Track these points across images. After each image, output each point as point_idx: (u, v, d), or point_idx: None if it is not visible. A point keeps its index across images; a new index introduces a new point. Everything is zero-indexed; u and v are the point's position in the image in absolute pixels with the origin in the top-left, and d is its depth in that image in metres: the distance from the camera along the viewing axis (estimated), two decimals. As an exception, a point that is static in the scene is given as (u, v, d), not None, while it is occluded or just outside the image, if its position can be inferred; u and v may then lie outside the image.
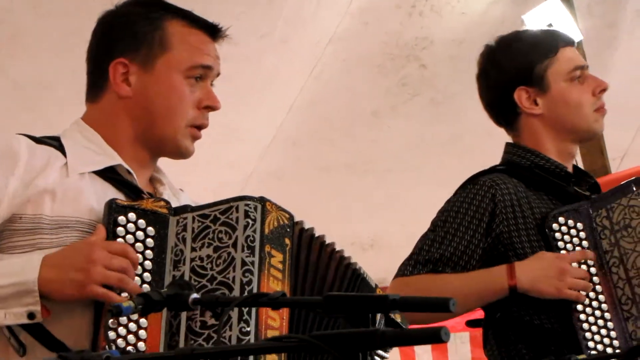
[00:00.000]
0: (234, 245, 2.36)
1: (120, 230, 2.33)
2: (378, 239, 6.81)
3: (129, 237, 2.34)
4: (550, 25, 6.29)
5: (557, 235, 3.03)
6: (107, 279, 2.27)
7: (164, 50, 2.48)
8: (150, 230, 2.36)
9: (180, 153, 2.54)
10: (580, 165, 4.38)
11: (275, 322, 2.39)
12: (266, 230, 2.38)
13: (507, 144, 3.27)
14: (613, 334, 2.97)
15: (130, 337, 2.29)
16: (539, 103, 3.17)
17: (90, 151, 2.46)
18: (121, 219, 2.33)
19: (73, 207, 2.37)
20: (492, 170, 3.16)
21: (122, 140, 2.49)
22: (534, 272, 2.96)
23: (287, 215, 2.46)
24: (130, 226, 2.34)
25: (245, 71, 5.70)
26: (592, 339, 2.96)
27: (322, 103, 6.11)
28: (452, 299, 1.83)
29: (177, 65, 2.49)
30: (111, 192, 2.42)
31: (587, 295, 2.98)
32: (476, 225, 3.02)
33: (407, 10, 6.21)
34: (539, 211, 3.07)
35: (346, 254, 2.56)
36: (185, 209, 2.42)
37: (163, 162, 2.66)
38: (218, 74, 2.56)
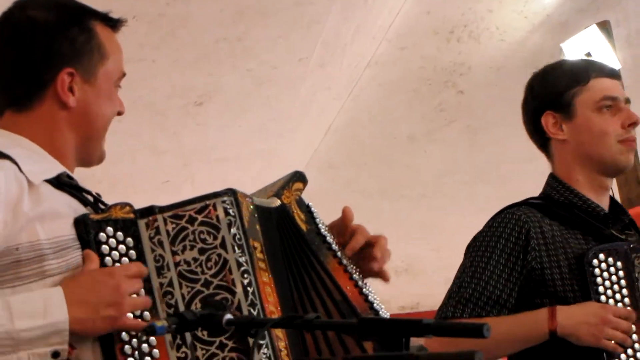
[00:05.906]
0: (222, 245, 2.31)
1: (104, 248, 2.28)
2: (412, 264, 6.80)
3: (114, 253, 2.29)
4: (588, 54, 6.29)
5: (596, 271, 3.00)
6: (136, 307, 2.24)
7: (103, 60, 2.43)
8: (129, 241, 2.31)
9: (101, 160, 2.51)
10: (617, 195, 4.34)
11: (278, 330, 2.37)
12: (246, 224, 2.34)
13: (550, 175, 3.27)
14: None
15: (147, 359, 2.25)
16: (564, 129, 3.17)
17: (32, 160, 2.35)
18: (102, 235, 2.28)
19: (60, 224, 2.28)
20: (526, 203, 3.14)
21: (63, 149, 2.43)
22: (576, 318, 2.95)
23: (250, 200, 2.41)
24: (112, 241, 2.29)
25: (283, 95, 5.72)
26: None
27: (358, 127, 6.12)
28: (486, 325, 1.82)
29: (112, 76, 2.45)
30: (72, 202, 2.34)
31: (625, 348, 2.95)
32: (513, 263, 3.01)
33: (444, 36, 6.21)
34: (572, 250, 3.05)
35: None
36: (151, 210, 2.35)
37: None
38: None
